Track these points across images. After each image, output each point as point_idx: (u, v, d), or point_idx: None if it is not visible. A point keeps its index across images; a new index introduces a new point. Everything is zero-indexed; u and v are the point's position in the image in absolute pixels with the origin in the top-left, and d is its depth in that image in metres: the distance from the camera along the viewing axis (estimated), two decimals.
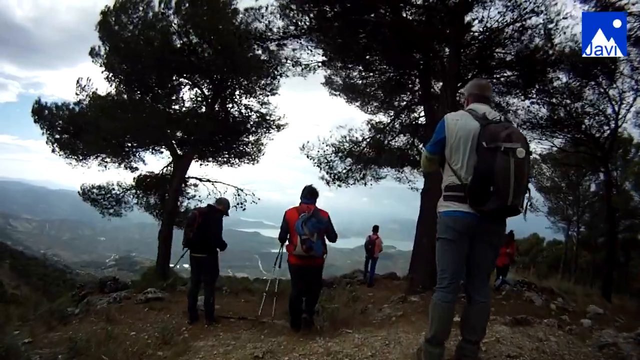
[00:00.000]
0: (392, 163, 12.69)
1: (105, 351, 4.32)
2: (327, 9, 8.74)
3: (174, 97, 12.76)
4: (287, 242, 4.70)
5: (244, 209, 13.99)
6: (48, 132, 11.80)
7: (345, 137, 12.25)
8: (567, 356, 3.09)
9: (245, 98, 13.07)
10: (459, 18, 8.36)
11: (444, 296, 2.58)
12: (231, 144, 13.85)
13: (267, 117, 13.36)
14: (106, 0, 10.83)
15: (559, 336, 3.59)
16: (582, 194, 20.99)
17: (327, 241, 4.70)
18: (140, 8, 10.78)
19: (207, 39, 11.15)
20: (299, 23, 8.96)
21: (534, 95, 10.72)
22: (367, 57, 10.39)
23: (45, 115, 11.78)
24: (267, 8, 9.10)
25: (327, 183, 12.09)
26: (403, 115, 12.30)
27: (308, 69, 10.40)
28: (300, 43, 9.54)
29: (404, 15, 8.89)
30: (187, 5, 10.77)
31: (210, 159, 14.20)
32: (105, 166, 12.80)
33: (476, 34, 9.33)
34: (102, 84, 10.73)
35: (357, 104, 13.00)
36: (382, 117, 12.99)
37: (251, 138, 13.97)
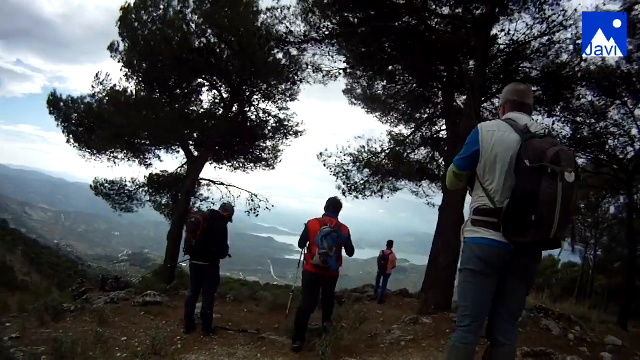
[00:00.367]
0: (410, 176, 12.32)
1: (91, 356, 4.05)
2: (351, 15, 8.52)
3: (192, 98, 12.73)
4: (305, 250, 4.74)
5: (257, 215, 13.85)
6: (63, 124, 11.81)
7: (364, 147, 12.02)
8: None
9: (264, 103, 12.94)
10: (485, 29, 8.06)
11: (464, 337, 2.21)
12: (247, 149, 13.69)
13: (285, 123, 13.19)
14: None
15: None
16: (601, 217, 20.22)
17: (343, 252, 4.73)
18: (162, 6, 10.74)
19: (226, 40, 11.03)
20: (321, 28, 8.76)
21: (558, 113, 10.33)
22: (390, 67, 10.14)
23: (61, 107, 11.77)
24: (289, 9, 8.92)
25: (344, 193, 11.83)
26: (424, 128, 12.01)
27: (329, 76, 10.25)
28: (322, 49, 9.35)
29: (430, 24, 8.64)
30: (207, 4, 10.66)
31: (226, 162, 14.06)
32: (115, 162, 12.74)
33: (502, 46, 9.04)
34: (121, 80, 10.88)
35: (377, 114, 12.70)
36: (402, 129, 12.72)
37: (268, 144, 13.82)
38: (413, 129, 12.15)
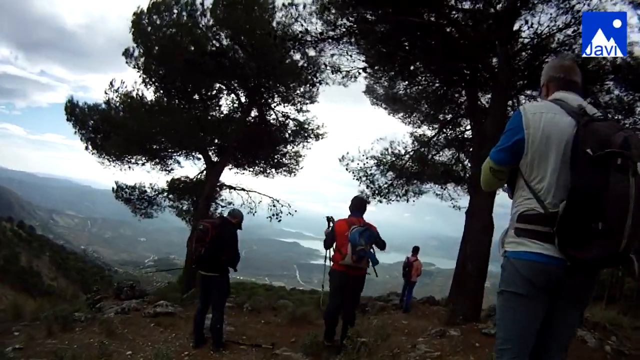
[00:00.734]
0: (435, 178, 11.87)
1: None
2: (368, 12, 8.19)
3: (211, 103, 12.62)
4: (332, 252, 4.68)
5: (279, 220, 13.60)
6: (81, 131, 11.82)
7: (387, 149, 11.72)
8: None
9: (283, 106, 12.70)
10: (507, 23, 7.68)
11: None
12: (268, 153, 13.49)
13: (305, 126, 12.94)
14: None
15: None
16: None
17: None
18: (175, 10, 10.64)
19: (241, 41, 10.86)
20: (338, 26, 8.45)
21: None
22: (411, 66, 9.74)
23: (77, 113, 11.79)
24: (304, 6, 8.66)
25: (367, 197, 11.43)
26: (448, 129, 11.55)
27: (349, 76, 9.87)
28: (340, 48, 9.03)
29: (451, 18, 8.27)
30: (221, 6, 10.49)
31: (247, 167, 13.91)
32: (130, 167, 12.62)
33: (526, 39, 8.58)
34: (136, 86, 10.87)
35: (400, 115, 12.30)
36: (425, 130, 12.28)
37: (289, 148, 13.58)
38: (437, 130, 11.71)
